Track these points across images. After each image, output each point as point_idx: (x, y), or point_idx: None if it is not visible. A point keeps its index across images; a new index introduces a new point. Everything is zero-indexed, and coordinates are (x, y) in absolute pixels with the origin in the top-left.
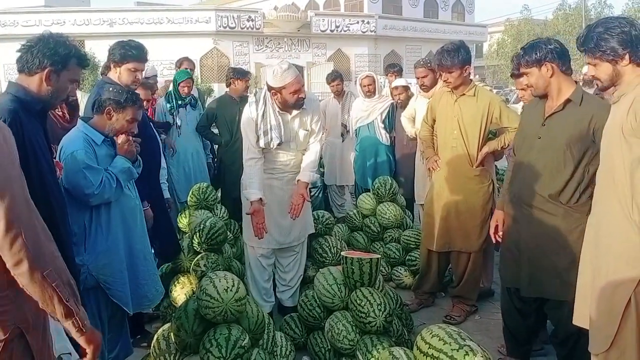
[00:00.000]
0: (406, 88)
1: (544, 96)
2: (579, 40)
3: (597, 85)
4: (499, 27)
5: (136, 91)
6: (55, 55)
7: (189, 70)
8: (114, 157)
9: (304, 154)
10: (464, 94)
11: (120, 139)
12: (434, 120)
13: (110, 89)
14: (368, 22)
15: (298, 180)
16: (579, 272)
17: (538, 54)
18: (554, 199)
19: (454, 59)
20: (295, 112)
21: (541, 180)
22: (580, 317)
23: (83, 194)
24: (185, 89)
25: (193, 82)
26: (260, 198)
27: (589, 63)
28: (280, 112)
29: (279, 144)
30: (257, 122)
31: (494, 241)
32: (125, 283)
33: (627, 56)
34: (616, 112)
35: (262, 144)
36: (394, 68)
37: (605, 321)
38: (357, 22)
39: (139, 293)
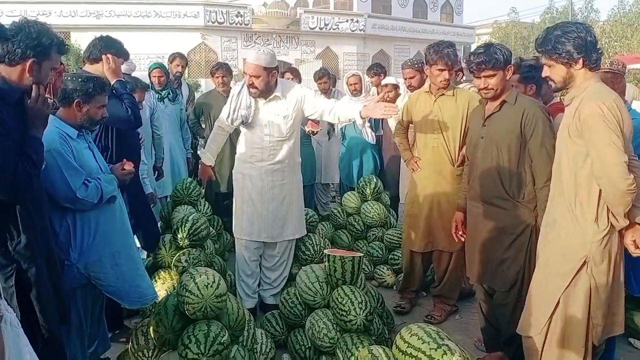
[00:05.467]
0: (395, 86)
1: (494, 98)
2: (538, 41)
3: (551, 85)
4: (486, 29)
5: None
6: (39, 46)
7: (162, 63)
8: (89, 148)
9: (285, 145)
10: (443, 94)
11: (128, 166)
12: (409, 123)
13: (74, 78)
14: (357, 21)
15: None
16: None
17: (506, 56)
18: (502, 194)
19: (456, 57)
20: (269, 97)
21: (489, 178)
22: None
23: (64, 197)
24: (156, 79)
25: (167, 73)
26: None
27: (544, 64)
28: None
29: (241, 123)
30: (231, 100)
31: (456, 240)
32: (119, 278)
33: (580, 60)
34: (566, 114)
35: (229, 120)
36: (375, 69)
37: (538, 308)
38: (346, 21)
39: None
